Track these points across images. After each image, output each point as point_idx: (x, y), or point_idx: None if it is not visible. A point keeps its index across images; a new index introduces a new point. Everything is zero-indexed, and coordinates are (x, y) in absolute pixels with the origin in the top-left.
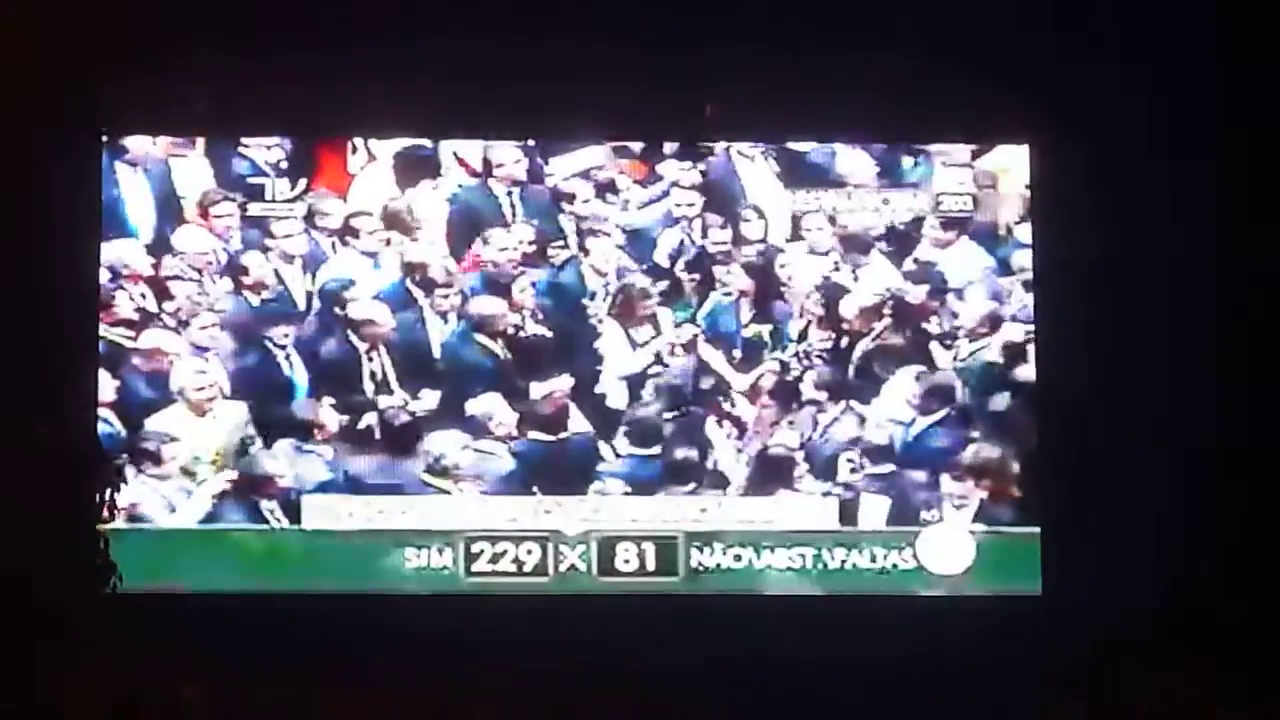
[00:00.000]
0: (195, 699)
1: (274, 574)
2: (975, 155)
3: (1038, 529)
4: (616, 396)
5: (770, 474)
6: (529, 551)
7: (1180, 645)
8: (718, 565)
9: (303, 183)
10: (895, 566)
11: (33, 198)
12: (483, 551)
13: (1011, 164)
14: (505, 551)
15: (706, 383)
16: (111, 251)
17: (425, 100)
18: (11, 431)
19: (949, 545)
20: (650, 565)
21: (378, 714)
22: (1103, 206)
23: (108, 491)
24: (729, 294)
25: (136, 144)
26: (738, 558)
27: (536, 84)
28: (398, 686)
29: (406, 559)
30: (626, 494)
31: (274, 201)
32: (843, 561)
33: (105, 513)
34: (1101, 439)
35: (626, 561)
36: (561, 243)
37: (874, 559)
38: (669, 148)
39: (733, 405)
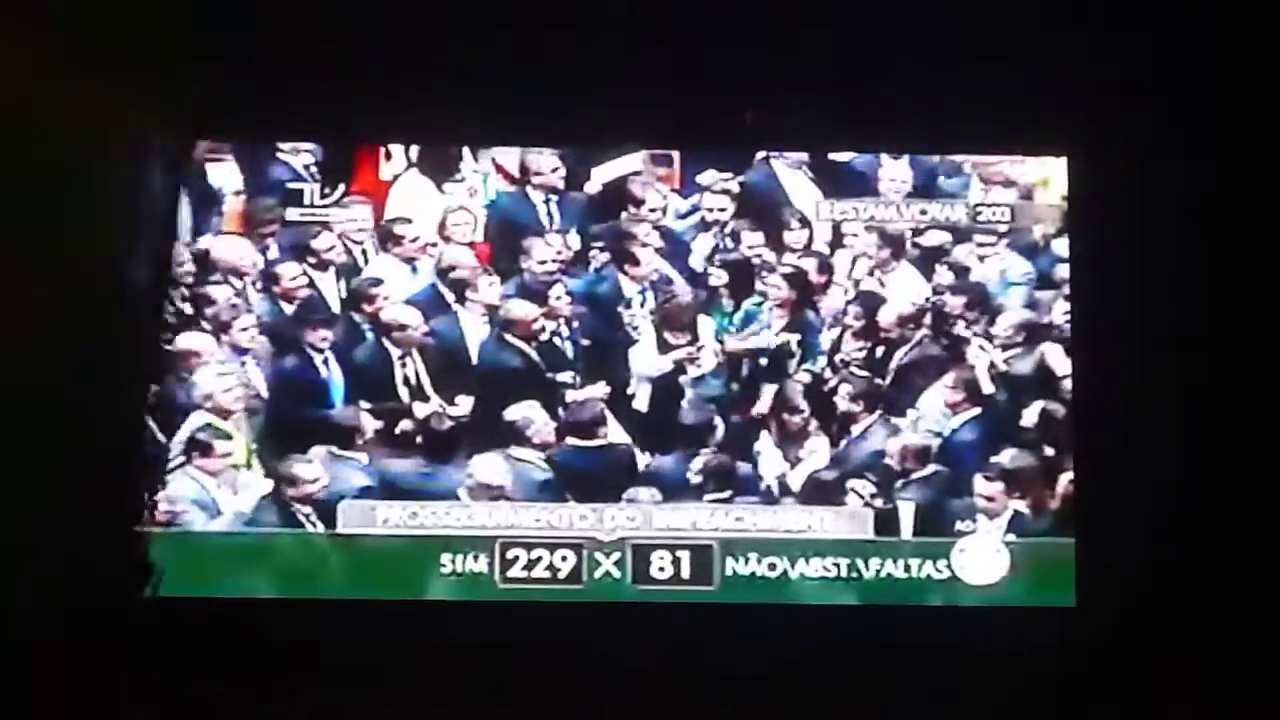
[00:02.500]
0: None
1: (308, 580)
2: (1012, 167)
3: (1072, 540)
4: (641, 400)
5: (805, 485)
6: (563, 558)
7: (1212, 658)
8: (753, 574)
9: (340, 188)
10: (929, 577)
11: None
12: (517, 558)
13: (1049, 176)
14: (540, 558)
15: (738, 391)
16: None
17: (462, 107)
18: (52, 431)
19: (983, 556)
20: (685, 574)
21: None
22: (1141, 219)
23: (146, 495)
24: (759, 302)
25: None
26: (772, 566)
27: (573, 92)
28: (431, 692)
29: (441, 565)
30: (661, 501)
31: (312, 207)
32: (877, 571)
33: (146, 514)
34: (1138, 452)
35: (661, 569)
36: (598, 250)
37: (909, 569)
38: (707, 156)
39: (765, 414)
